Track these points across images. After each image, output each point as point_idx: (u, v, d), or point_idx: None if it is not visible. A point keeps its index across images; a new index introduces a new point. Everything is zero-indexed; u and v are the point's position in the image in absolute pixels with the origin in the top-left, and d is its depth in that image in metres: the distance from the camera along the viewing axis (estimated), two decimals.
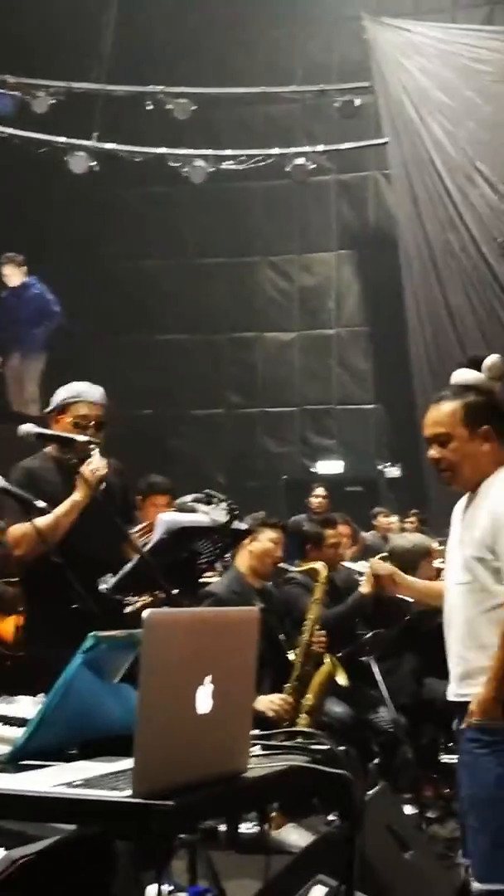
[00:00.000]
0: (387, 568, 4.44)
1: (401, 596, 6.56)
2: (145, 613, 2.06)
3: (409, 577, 4.55)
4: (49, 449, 4.54)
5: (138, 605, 4.43)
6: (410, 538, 7.08)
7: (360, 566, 6.94)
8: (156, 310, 16.02)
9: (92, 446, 4.39)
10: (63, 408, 4.54)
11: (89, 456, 4.37)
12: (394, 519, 11.50)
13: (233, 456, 15.96)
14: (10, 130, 13.49)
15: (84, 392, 4.58)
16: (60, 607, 4.02)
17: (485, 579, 3.37)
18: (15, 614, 5.96)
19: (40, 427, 4.47)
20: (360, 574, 6.74)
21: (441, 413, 3.56)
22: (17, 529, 4.31)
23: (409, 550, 6.82)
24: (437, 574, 6.77)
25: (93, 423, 4.52)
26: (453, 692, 3.60)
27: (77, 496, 4.36)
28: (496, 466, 3.51)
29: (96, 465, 4.36)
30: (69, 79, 13.77)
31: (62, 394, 4.59)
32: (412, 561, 6.75)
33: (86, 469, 4.35)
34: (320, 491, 10.93)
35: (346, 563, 7.24)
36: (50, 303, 12.84)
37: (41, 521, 4.20)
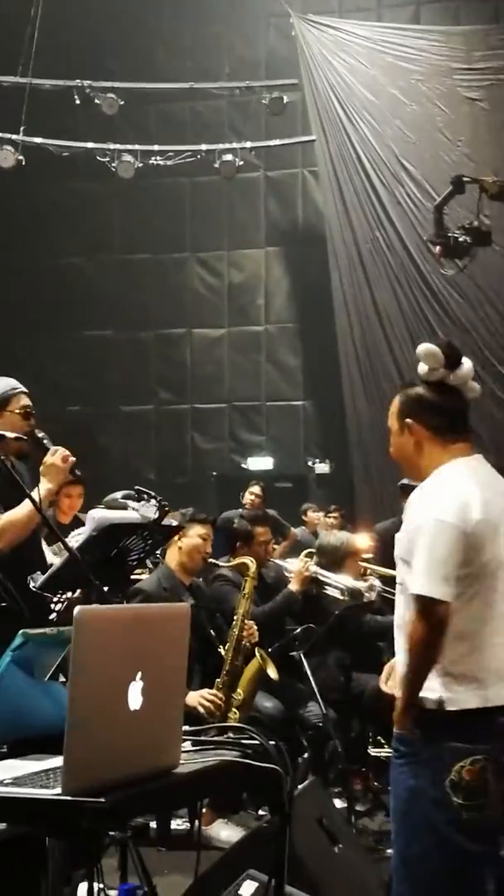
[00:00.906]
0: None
1: (332, 594, 6.64)
2: (76, 610, 2.06)
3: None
4: None
5: (67, 602, 4.41)
6: (339, 535, 7.14)
7: (290, 563, 6.98)
8: (84, 306, 15.93)
9: (43, 437, 4.44)
10: (6, 401, 4.55)
11: (44, 447, 4.40)
12: (332, 515, 11.56)
13: (162, 452, 15.93)
14: None
15: (16, 384, 4.63)
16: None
17: (409, 582, 3.21)
18: None
19: None
20: (290, 571, 6.79)
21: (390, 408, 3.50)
22: None
23: (336, 548, 6.88)
24: (364, 572, 6.85)
25: (31, 414, 4.57)
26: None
27: (49, 485, 4.36)
28: (437, 462, 3.33)
29: (63, 452, 4.39)
30: None
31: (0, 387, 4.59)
32: (339, 558, 6.82)
33: (55, 458, 4.37)
34: (256, 489, 10.90)
35: (276, 560, 7.27)
36: None
37: (17, 513, 4.24)
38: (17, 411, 4.53)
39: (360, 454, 13.58)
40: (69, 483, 6.51)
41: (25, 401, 4.58)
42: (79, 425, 15.32)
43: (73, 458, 4.41)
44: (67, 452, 4.41)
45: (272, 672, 6.01)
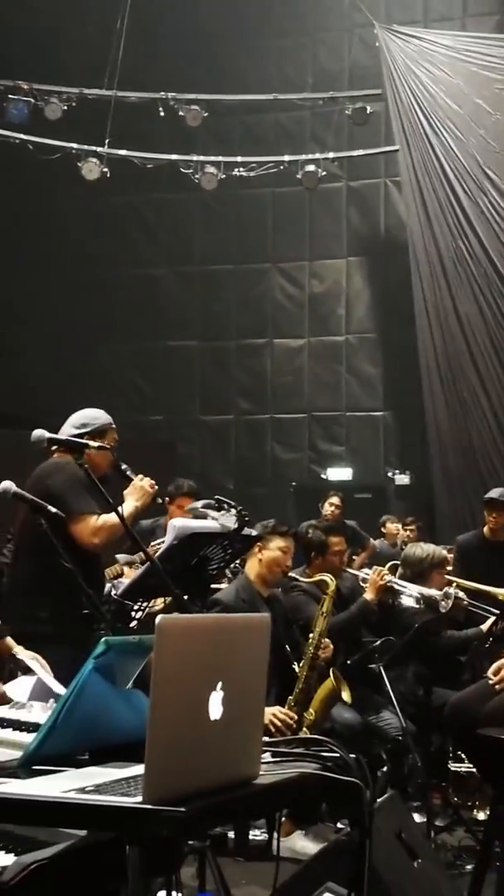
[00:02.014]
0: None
1: (407, 604, 6.60)
2: (158, 619, 2.06)
3: None
4: (57, 456, 4.81)
5: (147, 610, 4.44)
6: (424, 548, 7.07)
7: (365, 573, 6.94)
8: (166, 316, 16.05)
9: (126, 468, 4.79)
10: (103, 432, 4.97)
11: (126, 476, 4.77)
12: (409, 526, 11.48)
13: (242, 462, 15.96)
14: (24, 136, 13.54)
15: (112, 420, 5.11)
16: (71, 611, 4.04)
17: None
18: None
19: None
20: (365, 581, 6.75)
21: None
22: (95, 520, 4.60)
23: (421, 559, 6.82)
24: (448, 584, 6.78)
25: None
26: None
27: (137, 503, 4.73)
28: None
29: (151, 481, 4.78)
30: (82, 85, 13.82)
31: (100, 418, 5.05)
32: (424, 570, 6.76)
33: (144, 482, 4.74)
34: (335, 500, 10.84)
35: (351, 570, 7.22)
36: None
37: (112, 517, 4.54)
38: (110, 444, 4.90)
39: (440, 465, 13.47)
40: (181, 495, 7.16)
41: (115, 436, 5.05)
42: (159, 434, 15.47)
43: (157, 487, 4.79)
44: (153, 482, 4.78)
45: (345, 694, 5.94)
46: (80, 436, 4.82)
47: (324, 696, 5.82)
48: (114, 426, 5.07)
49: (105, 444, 4.78)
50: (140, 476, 4.76)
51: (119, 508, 4.49)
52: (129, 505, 4.70)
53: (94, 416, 5.06)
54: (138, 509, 4.75)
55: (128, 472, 4.78)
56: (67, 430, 4.93)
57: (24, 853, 2.11)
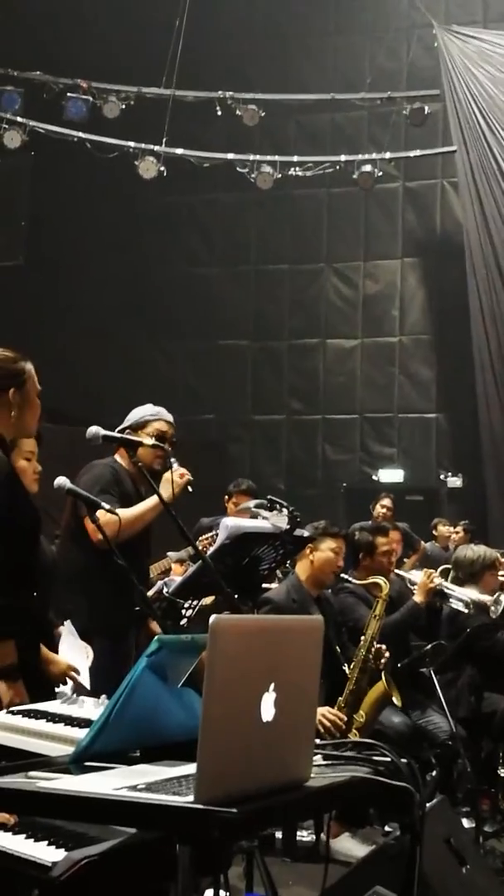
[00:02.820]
0: None
1: (456, 608, 6.54)
2: (212, 620, 2.06)
3: None
4: (117, 455, 4.83)
5: (198, 608, 4.45)
6: (476, 549, 7.01)
7: (414, 575, 6.89)
8: (219, 316, 16.07)
9: (171, 455, 4.68)
10: (143, 424, 4.89)
11: (170, 465, 4.62)
12: (457, 529, 11.41)
13: (293, 463, 15.95)
14: (82, 135, 13.62)
15: (161, 411, 4.99)
16: (121, 608, 4.07)
17: None
18: None
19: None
20: (413, 583, 6.70)
21: None
22: (102, 517, 4.38)
23: (473, 561, 6.77)
24: (501, 586, 6.72)
25: (168, 439, 4.86)
26: None
27: (164, 494, 4.53)
28: None
29: (183, 470, 4.62)
30: (140, 84, 13.88)
31: (140, 412, 4.95)
32: (476, 572, 6.70)
33: (174, 474, 4.60)
34: (386, 502, 10.79)
35: (400, 572, 7.17)
36: None
37: (126, 513, 4.45)
38: (150, 434, 4.81)
39: (493, 468, 13.38)
40: (240, 493, 7.17)
41: (163, 427, 4.91)
42: (210, 434, 15.49)
43: (189, 478, 4.63)
44: (186, 471, 4.64)
45: (396, 699, 5.90)
46: (122, 429, 4.85)
47: (374, 698, 5.77)
48: (159, 418, 4.96)
49: (146, 435, 4.76)
50: (175, 468, 4.62)
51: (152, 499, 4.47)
52: (154, 498, 4.59)
53: (138, 412, 5.02)
54: (160, 504, 4.55)
55: (174, 465, 4.69)
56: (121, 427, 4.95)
57: (74, 849, 2.12)
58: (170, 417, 5.00)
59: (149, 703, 2.42)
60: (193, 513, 6.77)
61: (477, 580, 6.64)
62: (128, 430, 4.82)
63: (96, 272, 15.21)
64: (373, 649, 5.81)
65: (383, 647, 5.86)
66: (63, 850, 2.15)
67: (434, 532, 11.51)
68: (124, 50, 14.16)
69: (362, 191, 14.63)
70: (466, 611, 6.48)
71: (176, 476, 4.60)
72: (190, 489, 4.65)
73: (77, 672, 4.02)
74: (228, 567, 4.17)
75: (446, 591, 6.61)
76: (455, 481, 14.52)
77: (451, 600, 6.61)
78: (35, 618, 3.79)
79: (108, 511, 4.14)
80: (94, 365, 14.83)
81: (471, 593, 6.52)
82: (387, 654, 5.85)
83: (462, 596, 6.53)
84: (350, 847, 5.49)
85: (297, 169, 14.39)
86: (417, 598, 6.50)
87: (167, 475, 4.61)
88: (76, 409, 12.15)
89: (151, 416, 4.94)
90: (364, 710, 5.72)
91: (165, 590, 4.11)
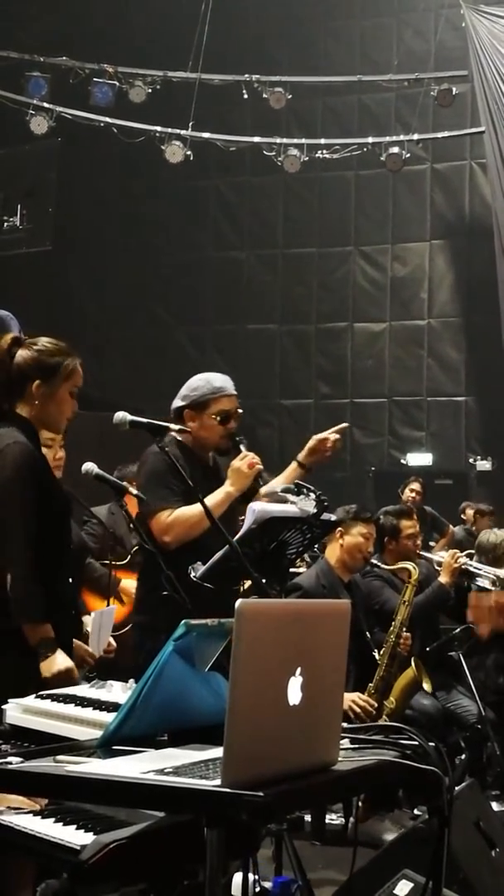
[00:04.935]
0: None
1: (483, 586, 6.53)
2: (238, 604, 2.06)
3: None
4: (175, 433, 4.38)
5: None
6: (499, 533, 7.00)
7: (439, 556, 6.87)
8: (247, 299, 16.05)
9: (241, 440, 4.42)
10: (204, 404, 4.51)
11: (239, 450, 4.38)
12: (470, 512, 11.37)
13: None
14: (108, 119, 13.62)
15: (224, 387, 4.56)
16: (151, 593, 4.07)
17: None
18: (111, 597, 6.04)
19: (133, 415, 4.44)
20: (439, 564, 6.69)
21: None
22: (166, 516, 4.27)
23: (496, 545, 6.75)
24: None
25: (234, 416, 4.53)
26: None
27: (230, 488, 4.34)
28: None
29: (252, 458, 4.35)
30: (166, 68, 13.86)
31: (200, 388, 4.53)
32: (499, 556, 6.69)
33: (242, 463, 4.34)
34: (415, 485, 10.76)
35: (425, 553, 7.15)
36: None
37: (191, 510, 4.21)
38: (211, 415, 4.49)
39: None
40: None
41: (226, 405, 4.52)
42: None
43: (260, 467, 4.35)
44: (256, 460, 4.36)
45: (426, 685, 5.89)
46: (182, 408, 4.51)
47: (405, 684, 5.77)
48: (225, 393, 4.52)
49: (209, 416, 4.47)
50: (244, 454, 4.36)
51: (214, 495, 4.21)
52: (224, 490, 4.32)
53: (195, 384, 4.55)
54: (231, 495, 4.33)
55: (241, 446, 4.43)
56: (175, 402, 4.59)
57: (102, 832, 2.13)
58: (233, 390, 4.57)
59: (176, 687, 2.43)
60: None
61: (499, 564, 6.63)
62: (187, 411, 4.50)
63: (124, 256, 15.22)
64: (402, 635, 5.81)
65: (408, 635, 5.85)
66: (92, 833, 2.16)
67: (462, 516, 11.48)
68: (150, 34, 14.15)
69: (390, 173, 14.55)
70: (493, 588, 6.47)
71: (244, 465, 4.33)
72: (261, 481, 4.38)
73: (93, 657, 4.03)
74: (255, 552, 4.15)
75: (472, 569, 6.59)
76: (484, 464, 14.47)
77: (477, 579, 6.60)
78: (68, 603, 3.80)
79: (134, 496, 4.12)
80: (121, 350, 14.86)
81: (497, 571, 6.51)
82: (408, 637, 5.85)
83: (489, 573, 6.52)
84: (379, 830, 5.50)
85: (325, 151, 14.33)
86: (443, 578, 6.48)
87: (235, 463, 4.34)
88: (104, 394, 12.17)
89: (212, 394, 4.51)
90: (394, 696, 5.72)
91: (192, 574, 4.08)
